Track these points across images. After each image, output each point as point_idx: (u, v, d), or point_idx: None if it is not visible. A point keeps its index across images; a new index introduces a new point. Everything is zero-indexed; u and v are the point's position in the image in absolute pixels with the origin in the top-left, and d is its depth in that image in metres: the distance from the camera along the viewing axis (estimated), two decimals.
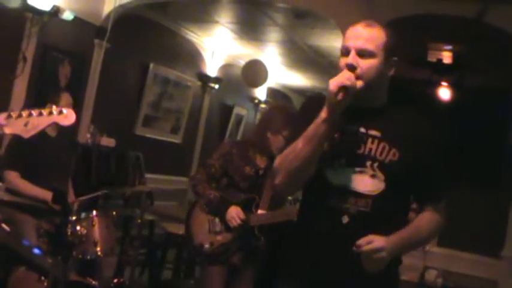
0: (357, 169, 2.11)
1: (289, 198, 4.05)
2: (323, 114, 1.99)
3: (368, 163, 2.11)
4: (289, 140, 2.17)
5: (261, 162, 3.77)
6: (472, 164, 5.43)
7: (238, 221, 3.60)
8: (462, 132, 5.27)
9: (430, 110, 2.26)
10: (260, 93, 10.58)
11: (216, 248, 3.65)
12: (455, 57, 5.76)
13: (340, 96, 1.94)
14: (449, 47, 5.65)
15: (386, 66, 2.11)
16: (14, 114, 2.11)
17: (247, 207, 3.67)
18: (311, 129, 2.02)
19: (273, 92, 11.19)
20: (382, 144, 2.12)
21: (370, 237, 2.02)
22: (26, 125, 2.09)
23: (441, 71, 5.83)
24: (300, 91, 12.08)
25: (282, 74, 10.22)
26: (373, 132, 2.13)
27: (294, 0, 5.95)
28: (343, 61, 2.08)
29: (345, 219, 2.09)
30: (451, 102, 5.75)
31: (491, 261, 5.21)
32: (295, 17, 6.43)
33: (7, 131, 2.10)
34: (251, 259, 3.77)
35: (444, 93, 5.87)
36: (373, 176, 2.10)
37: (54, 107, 2.13)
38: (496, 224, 5.25)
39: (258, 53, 8.75)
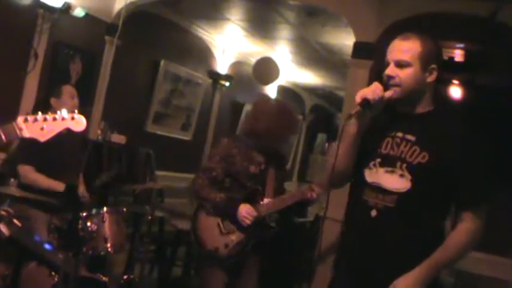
0: (388, 169, 2.35)
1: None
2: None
3: (398, 164, 2.33)
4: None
5: (260, 158, 3.78)
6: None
7: (251, 219, 3.59)
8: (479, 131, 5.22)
9: (468, 117, 2.47)
10: (271, 91, 10.56)
11: (233, 248, 3.62)
12: (467, 56, 5.72)
13: (355, 110, 2.28)
14: (461, 45, 5.61)
15: (424, 74, 2.34)
16: (30, 118, 2.32)
17: (252, 198, 3.69)
18: (342, 130, 2.38)
19: (283, 90, 11.17)
20: (414, 148, 2.32)
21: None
22: (42, 129, 2.33)
23: (452, 69, 5.79)
24: (310, 89, 12.06)
25: (293, 72, 10.19)
26: (408, 137, 2.36)
27: None
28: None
29: (373, 213, 2.35)
30: (462, 101, 5.71)
31: (504, 261, 5.17)
32: (306, 14, 6.41)
33: (25, 134, 2.33)
34: (257, 250, 3.76)
35: (455, 91, 5.83)
36: (401, 176, 2.32)
37: (65, 111, 2.35)
38: (508, 224, 5.20)
39: (269, 50, 8.73)
